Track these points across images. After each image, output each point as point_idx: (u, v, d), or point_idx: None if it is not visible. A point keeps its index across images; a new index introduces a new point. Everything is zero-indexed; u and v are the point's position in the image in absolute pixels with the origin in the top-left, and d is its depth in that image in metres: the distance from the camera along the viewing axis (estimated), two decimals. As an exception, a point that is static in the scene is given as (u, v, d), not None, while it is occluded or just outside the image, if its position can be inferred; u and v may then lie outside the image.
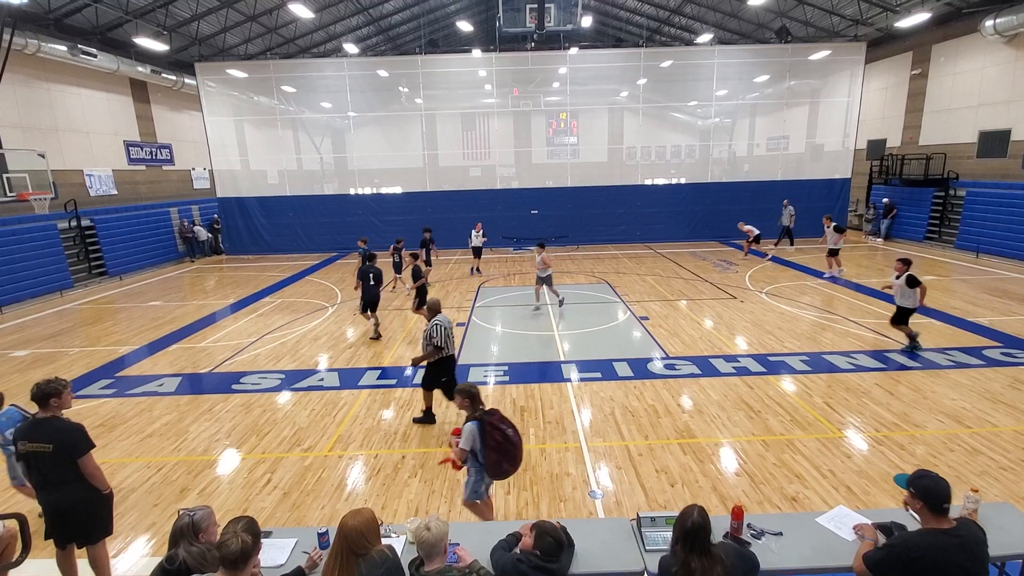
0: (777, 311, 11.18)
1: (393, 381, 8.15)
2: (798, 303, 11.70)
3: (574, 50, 20.67)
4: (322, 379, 8.34)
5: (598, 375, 8.03)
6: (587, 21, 20.62)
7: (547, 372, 8.28)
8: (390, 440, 6.35)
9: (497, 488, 5.25)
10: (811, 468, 5.44)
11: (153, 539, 4.78)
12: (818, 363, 8.30)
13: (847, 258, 17.15)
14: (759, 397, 7.14)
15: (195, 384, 8.37)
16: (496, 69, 20.70)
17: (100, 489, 3.90)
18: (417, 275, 10.67)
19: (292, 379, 8.32)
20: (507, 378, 8.10)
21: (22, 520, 3.89)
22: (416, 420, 6.77)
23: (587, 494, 5.13)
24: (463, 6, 27.83)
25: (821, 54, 19.87)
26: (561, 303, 11.69)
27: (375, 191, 21.50)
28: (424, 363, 6.54)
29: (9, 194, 12.86)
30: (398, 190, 21.47)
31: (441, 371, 6.49)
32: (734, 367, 8.19)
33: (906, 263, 8.45)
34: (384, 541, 2.88)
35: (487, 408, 4.29)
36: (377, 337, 10.22)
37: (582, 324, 10.86)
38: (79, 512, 3.86)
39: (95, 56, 16.67)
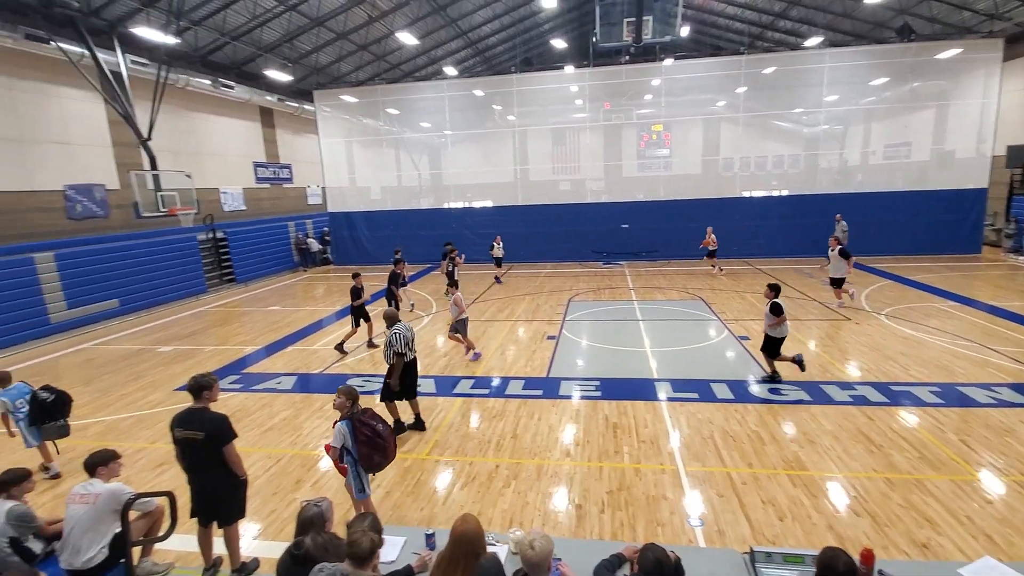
0: (900, 335, 10.13)
1: (486, 391, 8.36)
2: (925, 327, 10.52)
3: (669, 61, 20.26)
4: (419, 385, 8.72)
5: (695, 396, 7.73)
6: (684, 31, 20.16)
7: (640, 389, 8.09)
8: (484, 449, 6.50)
9: (591, 506, 5.22)
10: (944, 512, 4.87)
11: (271, 524, 5.21)
12: (951, 395, 7.41)
13: (983, 277, 15.25)
14: (880, 430, 6.51)
15: (307, 384, 9.11)
16: (589, 84, 20.77)
17: (238, 475, 4.34)
18: (356, 295, 10.69)
19: (392, 384, 8.78)
20: (599, 394, 8.02)
21: (172, 497, 4.18)
22: (407, 426, 7.08)
23: (686, 520, 4.94)
24: (557, 24, 28.29)
25: (950, 52, 17.88)
26: (475, 356, 9.80)
27: (467, 205, 22.30)
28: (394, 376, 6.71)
29: (162, 209, 14.86)
30: (489, 204, 22.11)
31: (403, 376, 6.75)
32: (850, 395, 7.52)
33: (774, 289, 7.85)
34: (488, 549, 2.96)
35: (362, 408, 4.67)
36: (340, 349, 10.65)
37: (675, 341, 10.51)
38: (221, 495, 4.32)
39: (232, 88, 18.95)
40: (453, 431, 7.02)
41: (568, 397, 7.96)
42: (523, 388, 8.38)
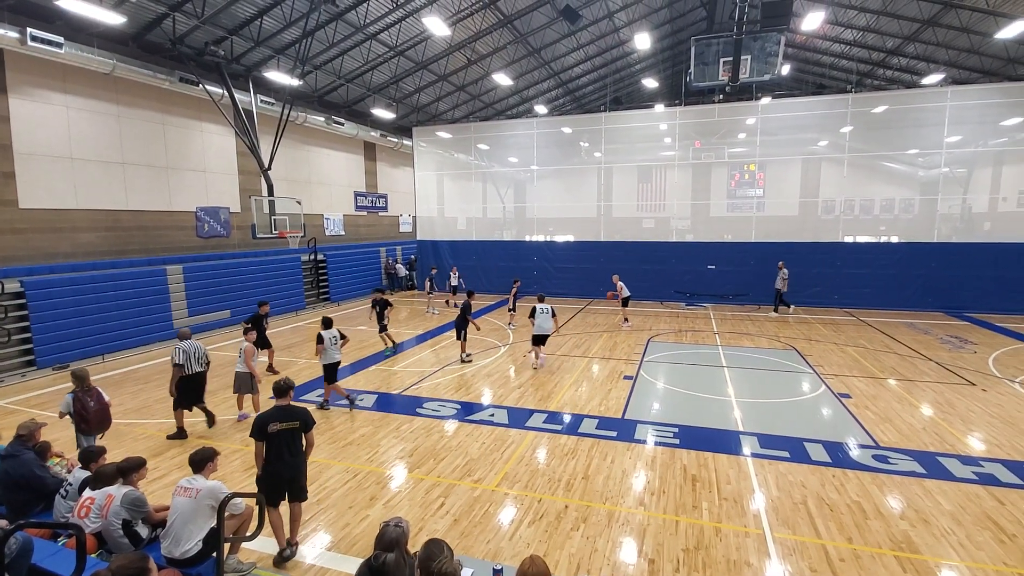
0: (1038, 408, 8.81)
1: (559, 427, 8.22)
2: (1072, 402, 9.08)
3: (766, 99, 19.61)
4: (492, 414, 8.77)
5: (785, 454, 7.13)
6: (785, 69, 19.49)
7: (722, 441, 7.60)
8: (554, 487, 6.36)
9: (664, 563, 4.92)
10: (1102, 629, 4.08)
11: (344, 538, 5.32)
12: (1109, 486, 6.28)
13: None
14: (1013, 516, 5.63)
15: (387, 403, 9.44)
16: (679, 123, 20.54)
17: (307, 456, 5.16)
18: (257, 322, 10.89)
19: (466, 411, 8.90)
20: (677, 441, 7.62)
21: (261, 500, 4.42)
22: (170, 437, 7.90)
23: (772, 592, 4.52)
24: (649, 64, 28.41)
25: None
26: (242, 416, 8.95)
27: (548, 239, 22.53)
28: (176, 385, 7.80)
29: (273, 231, 16.38)
30: (571, 238, 22.20)
31: (188, 390, 7.92)
32: (975, 472, 6.60)
33: (326, 323, 9.28)
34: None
35: (88, 388, 6.40)
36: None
37: (764, 392, 9.81)
38: (300, 477, 5.06)
39: (343, 124, 20.76)
40: (523, 465, 6.94)
41: (643, 442, 7.64)
42: (596, 428, 8.16)
